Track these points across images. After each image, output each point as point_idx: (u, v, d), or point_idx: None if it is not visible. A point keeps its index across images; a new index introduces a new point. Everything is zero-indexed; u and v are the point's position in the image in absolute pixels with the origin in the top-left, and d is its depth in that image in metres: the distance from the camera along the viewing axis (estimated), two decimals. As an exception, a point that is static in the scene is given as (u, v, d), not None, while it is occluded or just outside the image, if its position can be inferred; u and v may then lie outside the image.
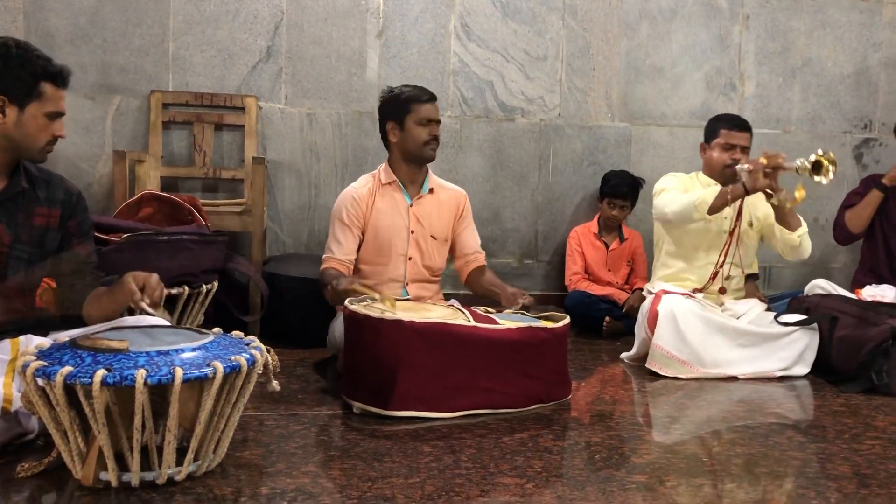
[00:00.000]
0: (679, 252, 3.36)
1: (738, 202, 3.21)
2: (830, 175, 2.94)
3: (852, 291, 3.50)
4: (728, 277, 3.31)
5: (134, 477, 1.74)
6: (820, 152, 2.94)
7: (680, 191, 3.27)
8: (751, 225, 3.35)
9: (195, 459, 1.82)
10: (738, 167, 3.16)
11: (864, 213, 3.75)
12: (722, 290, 3.30)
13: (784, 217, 3.16)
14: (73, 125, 3.67)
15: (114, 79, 3.84)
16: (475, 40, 4.15)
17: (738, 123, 3.36)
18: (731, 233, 3.27)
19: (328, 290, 2.75)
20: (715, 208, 3.08)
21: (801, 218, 3.23)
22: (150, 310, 2.07)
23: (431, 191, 3.05)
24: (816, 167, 2.94)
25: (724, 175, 3.28)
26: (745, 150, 3.32)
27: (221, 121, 3.91)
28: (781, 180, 3.06)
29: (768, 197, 3.10)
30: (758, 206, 3.34)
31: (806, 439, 2.40)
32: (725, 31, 4.40)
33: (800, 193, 2.99)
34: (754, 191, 3.05)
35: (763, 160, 3.02)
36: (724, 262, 3.28)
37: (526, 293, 2.83)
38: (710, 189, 3.16)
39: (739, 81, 4.43)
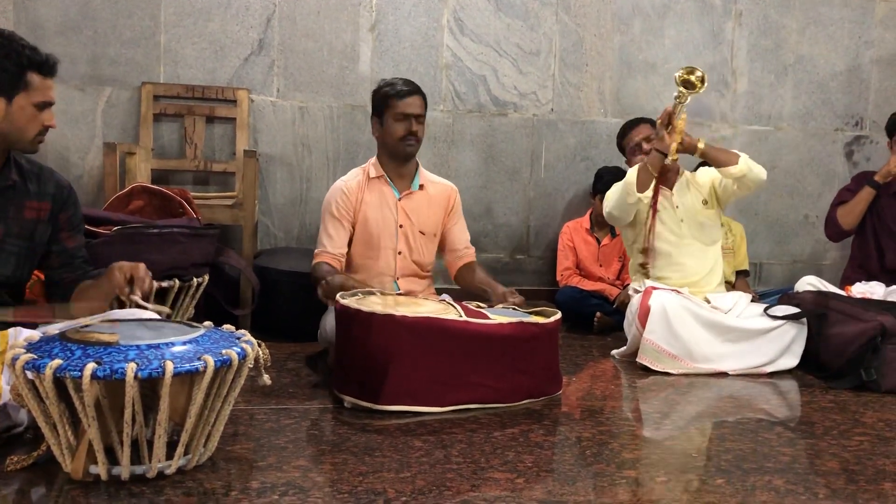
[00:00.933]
0: (642, 251, 3.39)
1: (653, 186, 3.34)
2: (697, 74, 3.21)
3: (842, 288, 3.52)
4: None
5: (124, 470, 1.74)
6: (678, 73, 3.22)
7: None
8: (705, 203, 3.39)
9: (185, 453, 1.81)
10: (651, 148, 3.30)
11: (856, 210, 3.77)
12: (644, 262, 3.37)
13: (717, 159, 3.25)
14: (63, 117, 3.65)
15: (104, 70, 3.82)
16: (468, 34, 4.15)
17: (632, 123, 3.60)
18: (653, 206, 3.34)
19: (321, 285, 2.73)
20: (642, 182, 3.21)
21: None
22: (143, 303, 2.06)
23: (422, 187, 3.04)
24: (689, 86, 3.19)
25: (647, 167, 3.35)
26: (648, 139, 3.45)
27: (213, 113, 3.89)
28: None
29: (685, 149, 3.22)
30: (697, 182, 3.43)
31: (795, 435, 2.41)
32: (718, 27, 4.41)
33: (682, 117, 3.23)
34: (668, 150, 3.19)
35: (657, 121, 3.24)
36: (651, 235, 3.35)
37: (516, 292, 2.82)
38: (630, 170, 3.30)
39: (732, 78, 4.44)
